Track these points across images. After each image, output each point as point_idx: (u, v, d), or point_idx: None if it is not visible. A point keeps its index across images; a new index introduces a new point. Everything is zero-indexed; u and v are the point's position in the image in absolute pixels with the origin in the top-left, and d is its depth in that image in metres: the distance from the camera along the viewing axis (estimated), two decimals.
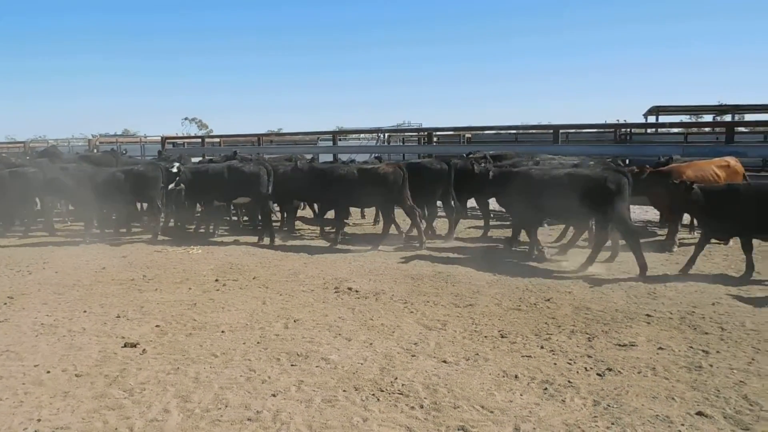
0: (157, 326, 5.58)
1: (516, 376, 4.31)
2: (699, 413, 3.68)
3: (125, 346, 5.04)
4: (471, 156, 11.41)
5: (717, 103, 29.81)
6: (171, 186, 9.88)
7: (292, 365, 4.59)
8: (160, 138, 23.27)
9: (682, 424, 3.55)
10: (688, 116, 33.72)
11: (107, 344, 5.10)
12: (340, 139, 22.78)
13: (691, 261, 7.15)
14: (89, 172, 10.65)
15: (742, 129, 23.39)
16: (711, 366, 4.43)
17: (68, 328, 5.53)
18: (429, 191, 9.79)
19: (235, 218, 12.16)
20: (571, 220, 8.93)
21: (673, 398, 3.91)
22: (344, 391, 4.11)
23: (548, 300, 6.22)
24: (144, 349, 4.95)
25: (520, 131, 24.55)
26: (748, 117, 27.97)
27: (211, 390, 4.16)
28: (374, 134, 24.12)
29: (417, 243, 9.19)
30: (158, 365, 4.63)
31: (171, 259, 8.68)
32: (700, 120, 33.99)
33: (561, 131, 15.27)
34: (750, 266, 6.96)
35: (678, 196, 7.27)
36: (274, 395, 4.06)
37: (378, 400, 3.97)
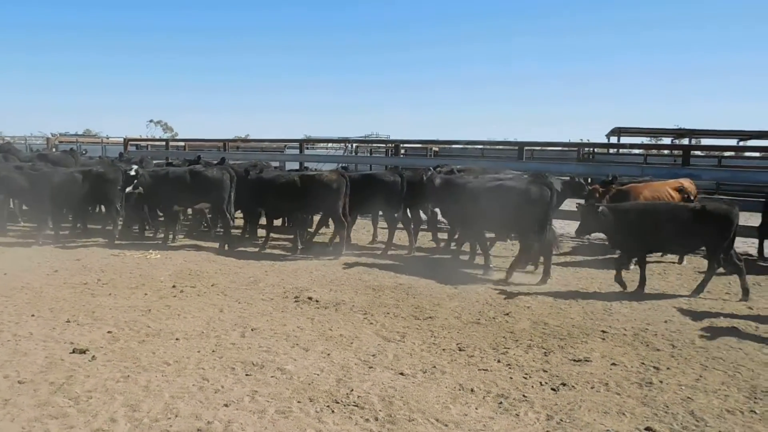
0: (108, 332, 5.42)
1: (472, 390, 4.32)
2: (648, 428, 3.75)
3: (74, 352, 4.87)
4: (439, 169, 11.51)
5: (675, 127, 30.88)
6: (128, 189, 9.65)
7: (246, 375, 4.50)
8: (122, 139, 22.76)
9: None
10: (648, 138, 34.85)
11: (54, 350, 4.92)
12: (307, 148, 22.70)
13: (642, 281, 7.37)
14: (45, 171, 10.32)
15: (698, 153, 24.25)
16: (661, 382, 4.53)
17: (13, 333, 5.32)
18: (383, 202, 9.82)
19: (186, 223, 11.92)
20: (501, 230, 9.18)
21: (623, 413, 3.97)
22: (299, 402, 4.05)
23: (507, 314, 6.28)
24: (93, 356, 4.79)
25: (486, 146, 24.92)
26: (705, 141, 29.05)
27: (161, 399, 4.04)
28: (342, 144, 24.13)
29: (332, 249, 9.43)
30: (107, 372, 4.48)
31: (128, 263, 8.46)
32: (659, 142, 35.13)
33: (526, 148, 15.49)
34: (643, 279, 7.39)
35: (588, 217, 7.52)
36: (226, 405, 3.97)
37: (333, 411, 3.93)
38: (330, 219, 9.98)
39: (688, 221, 7.13)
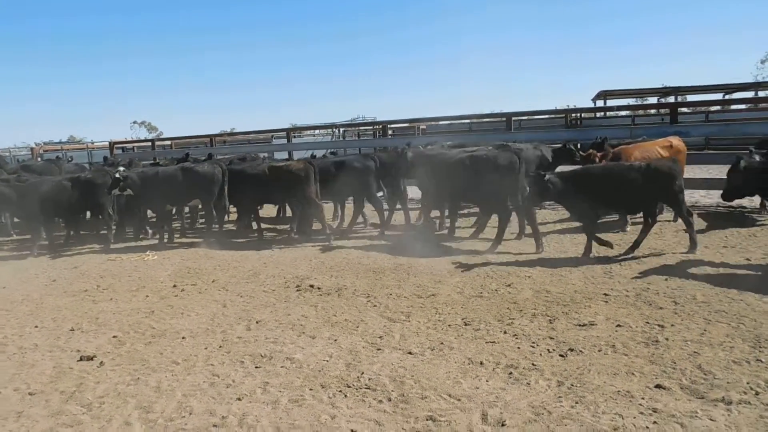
0: (114, 337, 5.41)
1: (481, 363, 4.35)
2: (657, 386, 3.79)
3: (81, 359, 4.86)
4: (430, 147, 11.49)
5: (661, 86, 30.84)
6: (115, 192, 9.58)
7: (256, 367, 4.51)
8: (108, 143, 22.55)
9: (642, 398, 3.65)
10: (634, 99, 34.84)
11: (62, 359, 4.91)
12: (294, 136, 22.57)
13: (587, 248, 7.38)
14: (32, 182, 10.20)
15: (685, 110, 24.27)
16: (667, 339, 4.57)
17: (19, 345, 5.30)
18: (359, 187, 9.89)
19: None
20: (474, 201, 9.41)
21: (632, 373, 4.02)
22: (311, 389, 4.07)
23: (509, 285, 6.31)
24: (101, 362, 4.79)
25: (474, 120, 24.81)
26: (690, 98, 29.04)
27: (173, 398, 4.05)
28: (329, 130, 24.00)
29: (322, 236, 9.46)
30: (117, 377, 4.48)
31: (125, 266, 8.43)
32: (645, 102, 35.11)
33: (513, 119, 15.44)
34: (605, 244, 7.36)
35: (535, 187, 7.48)
36: (239, 399, 3.98)
37: (345, 396, 3.95)
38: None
39: (636, 181, 7.11)
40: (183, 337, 5.27)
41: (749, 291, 5.58)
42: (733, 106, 24.84)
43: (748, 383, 3.77)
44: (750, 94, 28.26)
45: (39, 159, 18.87)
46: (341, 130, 24.53)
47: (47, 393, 4.26)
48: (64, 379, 4.50)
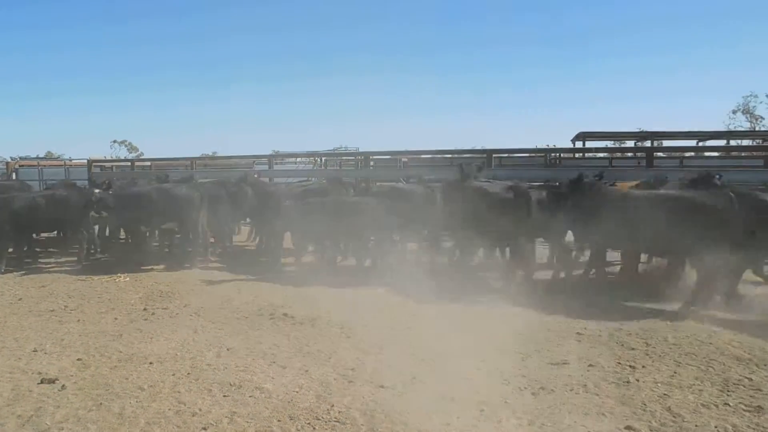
0: (78, 359, 5.25)
1: (453, 399, 4.31)
2: (627, 427, 3.80)
3: (42, 382, 4.70)
4: (412, 180, 11.56)
5: (638, 130, 31.64)
6: (90, 213, 9.45)
7: (224, 396, 4.41)
8: (86, 161, 22.26)
9: None
10: (612, 142, 35.64)
11: (21, 381, 4.75)
12: (276, 163, 22.56)
13: None
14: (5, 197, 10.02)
15: (661, 154, 24.85)
16: (638, 381, 4.59)
17: None
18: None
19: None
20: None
21: (603, 414, 4.02)
22: (279, 420, 3.99)
23: (484, 321, 6.30)
24: (63, 385, 4.64)
25: (455, 155, 25.07)
26: (666, 143, 29.80)
27: (136, 426, 3.93)
28: (311, 158, 24.09)
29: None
30: (79, 402, 4.34)
31: (96, 287, 8.25)
32: (623, 145, 35.92)
33: (494, 155, 15.64)
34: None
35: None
36: (204, 428, 3.88)
37: (314, 428, 3.87)
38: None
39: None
40: (150, 363, 5.14)
41: (718, 335, 5.67)
42: (706, 153, 25.54)
43: (716, 427, 3.79)
44: (722, 142, 29.14)
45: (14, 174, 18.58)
46: (323, 159, 24.59)
47: (3, 417, 4.10)
48: (22, 402, 4.34)
